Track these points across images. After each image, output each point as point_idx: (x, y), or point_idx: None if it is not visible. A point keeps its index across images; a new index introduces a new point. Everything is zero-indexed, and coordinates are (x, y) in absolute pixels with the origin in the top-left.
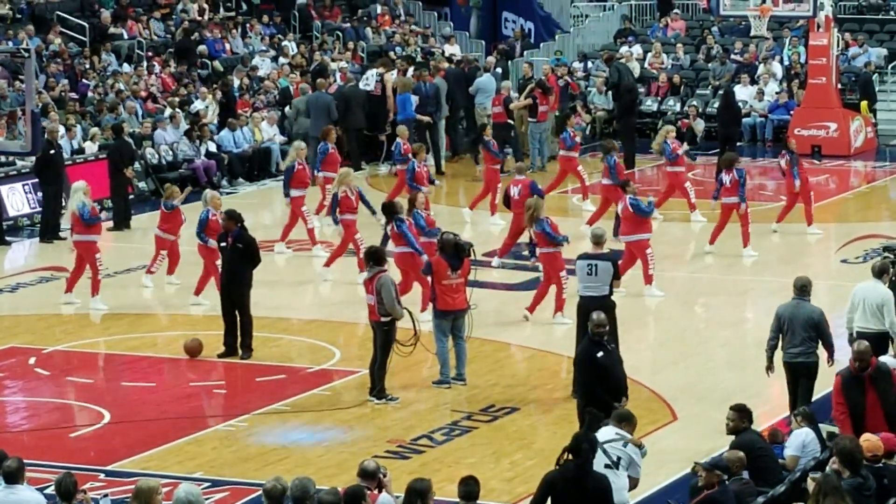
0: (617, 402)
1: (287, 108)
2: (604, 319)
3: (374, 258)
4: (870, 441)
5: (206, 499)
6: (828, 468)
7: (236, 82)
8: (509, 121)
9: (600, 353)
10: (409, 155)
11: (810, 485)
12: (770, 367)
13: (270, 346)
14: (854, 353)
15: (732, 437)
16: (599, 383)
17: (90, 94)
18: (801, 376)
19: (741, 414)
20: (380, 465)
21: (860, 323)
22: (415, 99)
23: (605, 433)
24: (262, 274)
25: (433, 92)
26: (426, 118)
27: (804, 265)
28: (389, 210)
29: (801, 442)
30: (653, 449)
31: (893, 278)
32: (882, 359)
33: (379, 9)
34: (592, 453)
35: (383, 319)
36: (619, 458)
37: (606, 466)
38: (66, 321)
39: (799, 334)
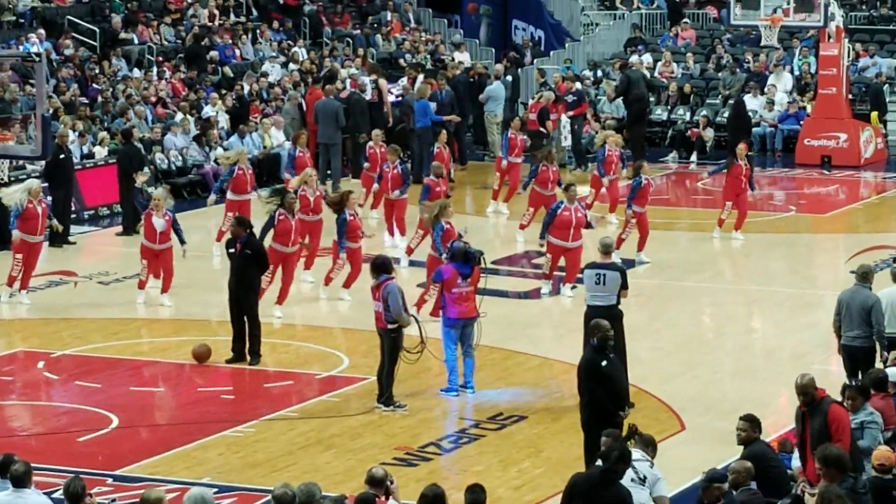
0: (620, 410)
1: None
2: (610, 326)
3: (382, 267)
4: (881, 451)
5: None
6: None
7: (246, 88)
8: (542, 129)
9: (604, 362)
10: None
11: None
12: (839, 349)
13: (279, 352)
14: (797, 386)
15: (742, 448)
16: (603, 392)
17: (99, 98)
18: (858, 361)
19: (752, 424)
20: (388, 472)
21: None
22: (433, 105)
23: (634, 454)
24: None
25: (448, 99)
26: (454, 117)
27: (812, 276)
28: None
29: None
30: (660, 459)
31: None
32: (890, 370)
33: (389, 16)
34: (623, 464)
35: (390, 327)
36: (645, 477)
37: (633, 481)
38: (74, 325)
39: (855, 319)
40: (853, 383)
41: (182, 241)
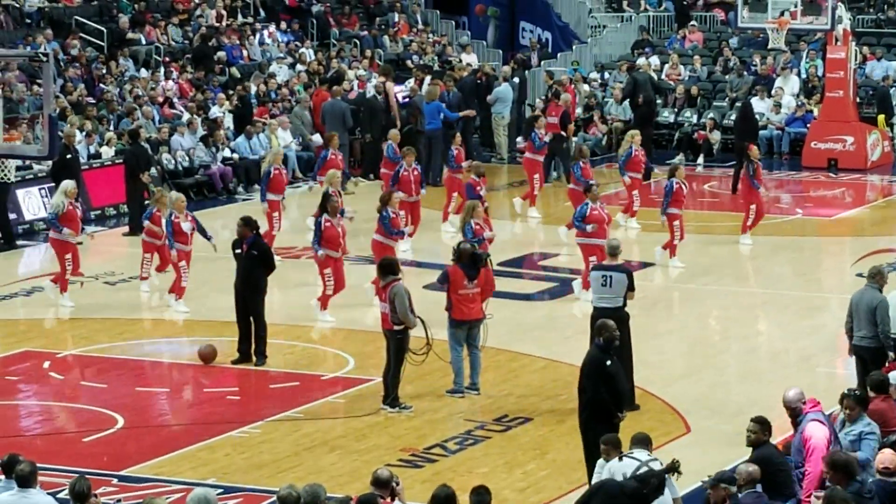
0: (620, 411)
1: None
2: (616, 327)
3: (389, 269)
4: (885, 454)
5: None
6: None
7: (253, 89)
8: (562, 132)
9: (609, 362)
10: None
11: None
12: (850, 350)
13: (284, 353)
14: (784, 400)
15: (750, 450)
16: (606, 391)
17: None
18: (867, 361)
19: (763, 426)
20: (393, 473)
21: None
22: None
23: (641, 454)
24: (276, 280)
25: (456, 100)
26: (470, 112)
27: (819, 279)
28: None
29: None
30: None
31: None
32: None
33: (397, 17)
34: (656, 494)
35: (396, 328)
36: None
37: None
38: (80, 325)
39: (863, 319)
40: (850, 392)
41: (209, 238)
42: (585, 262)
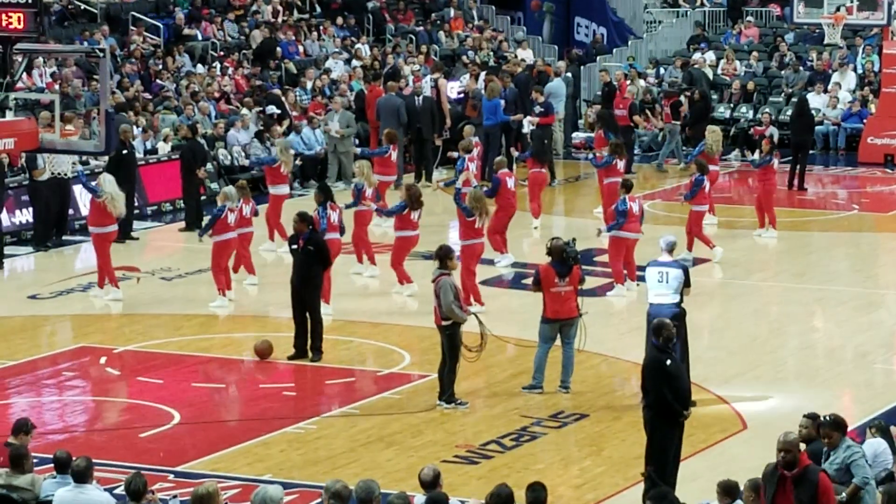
0: (685, 409)
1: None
2: (673, 325)
3: (441, 259)
4: None
5: None
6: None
7: (308, 84)
8: (631, 124)
9: (669, 361)
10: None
11: (878, 497)
12: None
13: (340, 348)
14: (780, 443)
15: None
16: (669, 391)
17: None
18: None
19: (815, 422)
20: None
21: None
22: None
23: None
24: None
25: (513, 97)
26: (519, 116)
27: (875, 275)
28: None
29: (873, 452)
30: (722, 457)
31: None
32: None
33: (452, 12)
34: None
35: (444, 323)
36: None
37: None
38: (137, 321)
39: None
40: (824, 419)
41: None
42: (614, 257)
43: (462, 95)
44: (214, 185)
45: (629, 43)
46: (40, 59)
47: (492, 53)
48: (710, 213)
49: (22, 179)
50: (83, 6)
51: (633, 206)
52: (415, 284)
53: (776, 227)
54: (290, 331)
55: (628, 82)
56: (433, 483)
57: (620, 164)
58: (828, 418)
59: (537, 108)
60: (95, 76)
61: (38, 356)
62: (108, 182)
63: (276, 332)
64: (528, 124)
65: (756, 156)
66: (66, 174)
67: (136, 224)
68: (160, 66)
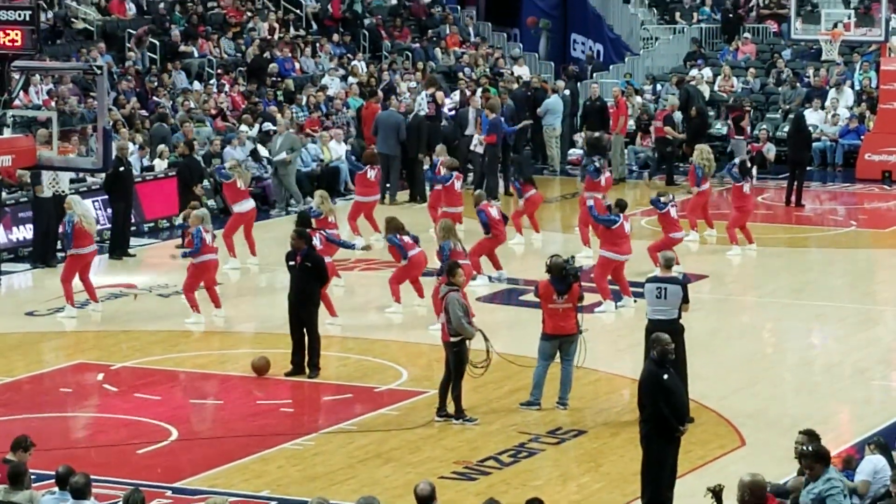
0: (681, 424)
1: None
2: (670, 340)
3: (448, 273)
4: None
5: None
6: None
7: (304, 101)
8: (667, 135)
9: (666, 376)
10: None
11: None
12: None
13: (337, 365)
14: (742, 484)
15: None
16: (666, 405)
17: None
18: None
19: (811, 439)
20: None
21: None
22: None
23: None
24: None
25: (510, 112)
26: (527, 122)
27: (874, 291)
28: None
29: (872, 468)
30: (720, 475)
31: None
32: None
33: (448, 29)
34: None
35: (452, 339)
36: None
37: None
38: (134, 337)
39: None
40: (806, 451)
41: None
42: (600, 276)
43: (453, 112)
44: (211, 202)
45: (626, 60)
46: (37, 76)
47: (488, 70)
48: (709, 227)
49: (19, 196)
50: (82, 23)
51: (626, 225)
52: (400, 305)
53: (753, 242)
54: (288, 347)
55: (625, 98)
56: (430, 498)
57: (603, 180)
58: (810, 449)
59: (486, 127)
60: (92, 93)
61: (35, 372)
62: (77, 203)
63: (274, 349)
64: (477, 142)
65: (734, 169)
66: (65, 192)
67: (132, 241)
68: (156, 84)
